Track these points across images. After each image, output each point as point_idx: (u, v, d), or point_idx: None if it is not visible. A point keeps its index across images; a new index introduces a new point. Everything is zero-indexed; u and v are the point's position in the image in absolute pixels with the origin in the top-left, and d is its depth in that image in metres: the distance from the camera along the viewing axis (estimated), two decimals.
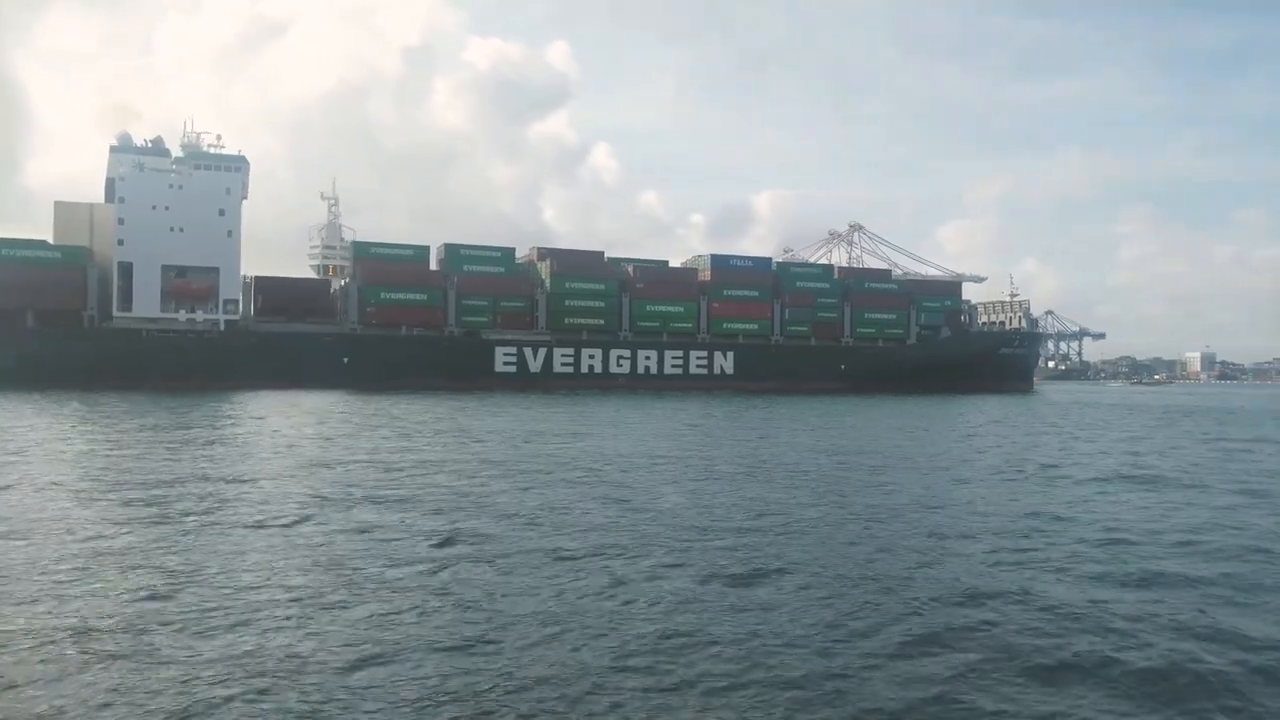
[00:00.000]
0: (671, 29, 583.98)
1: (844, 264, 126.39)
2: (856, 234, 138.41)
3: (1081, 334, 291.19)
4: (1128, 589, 13.09)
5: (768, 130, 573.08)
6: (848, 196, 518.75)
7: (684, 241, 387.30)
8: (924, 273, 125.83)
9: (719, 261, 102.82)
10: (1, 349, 72.34)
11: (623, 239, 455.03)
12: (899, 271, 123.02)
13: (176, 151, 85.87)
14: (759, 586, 12.80)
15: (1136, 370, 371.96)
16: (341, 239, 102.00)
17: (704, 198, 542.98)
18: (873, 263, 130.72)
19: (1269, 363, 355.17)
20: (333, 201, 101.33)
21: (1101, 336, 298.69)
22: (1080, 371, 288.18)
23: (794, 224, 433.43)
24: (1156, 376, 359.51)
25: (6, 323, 74.30)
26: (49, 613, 10.97)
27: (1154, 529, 17.86)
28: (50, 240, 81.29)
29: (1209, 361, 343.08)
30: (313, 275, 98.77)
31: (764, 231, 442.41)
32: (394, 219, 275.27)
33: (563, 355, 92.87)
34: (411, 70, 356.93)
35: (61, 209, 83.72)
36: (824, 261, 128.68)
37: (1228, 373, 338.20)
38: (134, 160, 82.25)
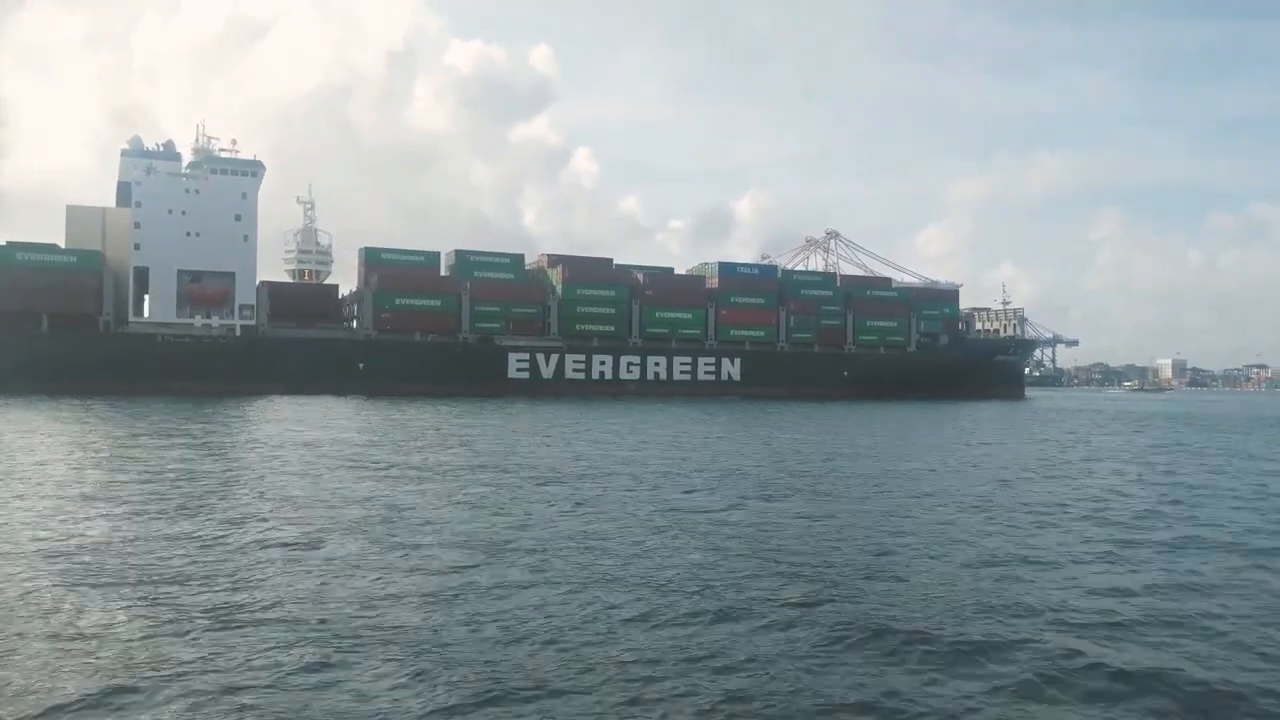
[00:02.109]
0: (655, 31, 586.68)
1: (820, 270, 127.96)
2: (833, 241, 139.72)
3: (1055, 341, 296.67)
4: None
5: (750, 132, 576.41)
6: (829, 199, 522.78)
7: (664, 246, 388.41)
8: (900, 280, 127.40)
9: (726, 269, 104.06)
10: (17, 353, 71.77)
11: (604, 243, 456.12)
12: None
13: (187, 156, 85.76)
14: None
15: (1109, 377, 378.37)
16: (318, 243, 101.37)
17: (685, 201, 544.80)
18: (849, 269, 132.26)
19: (1239, 369, 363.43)
20: (308, 205, 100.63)
21: (1075, 343, 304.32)
22: (1055, 378, 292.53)
23: (775, 228, 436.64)
24: (1128, 383, 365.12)
25: (21, 327, 73.72)
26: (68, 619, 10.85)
27: None
28: (61, 244, 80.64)
29: (1180, 368, 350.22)
30: (288, 279, 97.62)
31: (746, 235, 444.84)
32: (373, 221, 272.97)
33: (574, 361, 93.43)
34: (393, 73, 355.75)
35: (74, 213, 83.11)
36: (801, 268, 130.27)
37: (1199, 379, 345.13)
38: (146, 164, 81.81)
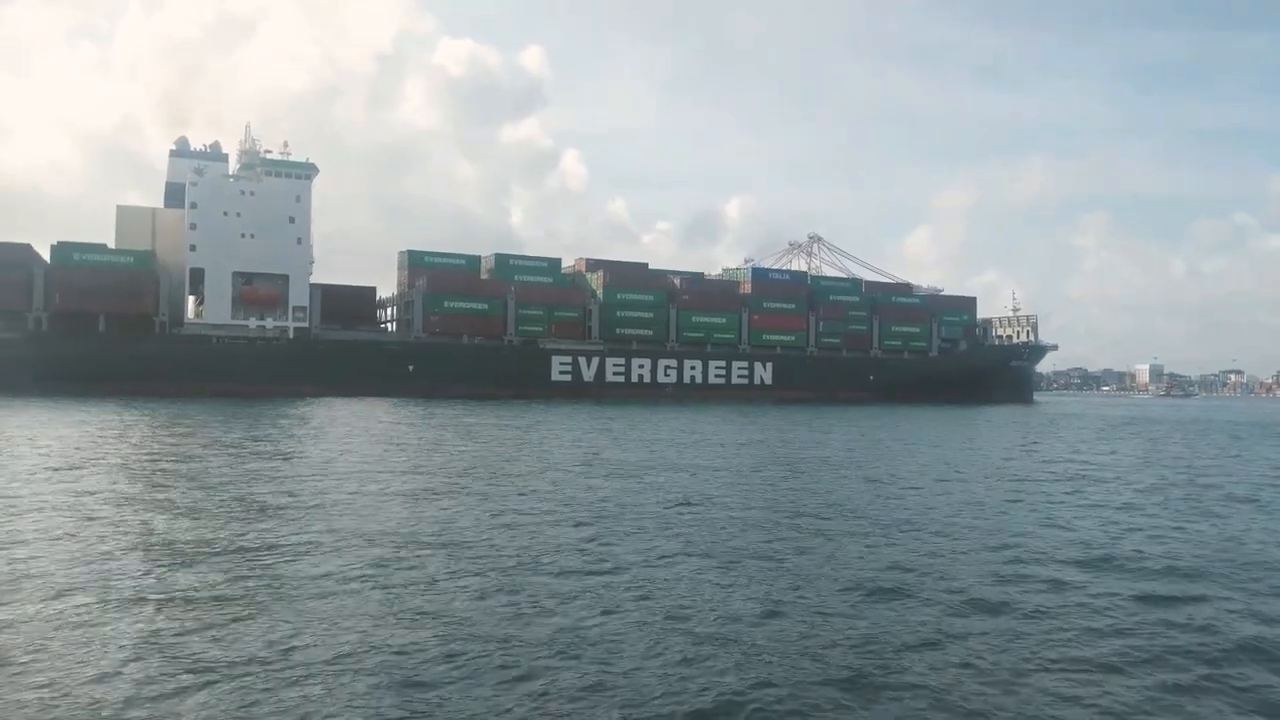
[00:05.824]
0: (645, 36, 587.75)
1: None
2: (815, 244, 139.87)
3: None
4: None
5: (738, 138, 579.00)
6: (816, 204, 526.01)
7: (652, 249, 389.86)
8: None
9: (758, 274, 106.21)
10: (75, 353, 71.72)
11: (590, 244, 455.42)
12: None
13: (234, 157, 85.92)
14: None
15: (1088, 382, 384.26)
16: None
17: (672, 205, 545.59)
18: (831, 273, 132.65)
19: (1215, 375, 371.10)
20: None
21: (1054, 348, 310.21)
22: (1035, 383, 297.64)
23: (761, 232, 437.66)
24: (1106, 387, 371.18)
25: (79, 327, 73.71)
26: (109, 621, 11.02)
27: None
28: (111, 244, 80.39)
29: (1157, 374, 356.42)
30: None
31: (733, 239, 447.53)
32: (361, 219, 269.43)
33: (614, 365, 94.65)
34: (383, 72, 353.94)
35: (124, 213, 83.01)
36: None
37: (1177, 385, 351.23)
38: (197, 165, 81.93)
